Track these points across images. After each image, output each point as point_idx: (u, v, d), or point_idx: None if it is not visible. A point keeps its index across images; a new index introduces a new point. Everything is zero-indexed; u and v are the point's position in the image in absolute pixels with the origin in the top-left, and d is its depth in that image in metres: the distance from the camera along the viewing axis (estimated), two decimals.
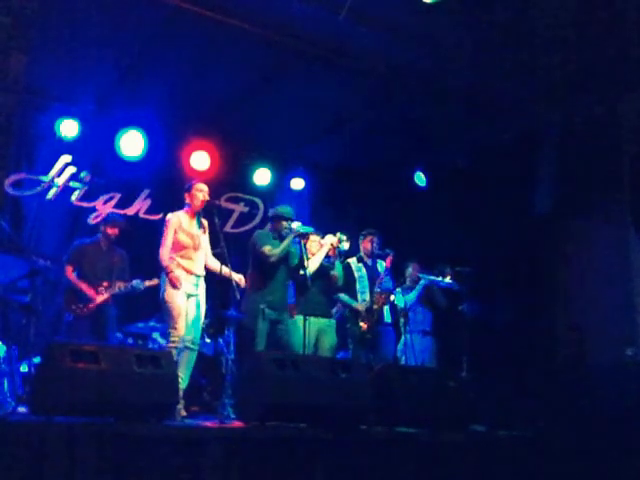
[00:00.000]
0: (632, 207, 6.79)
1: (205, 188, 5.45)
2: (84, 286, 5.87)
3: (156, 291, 5.37)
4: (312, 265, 5.74)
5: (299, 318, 5.62)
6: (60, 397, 3.53)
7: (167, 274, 5.16)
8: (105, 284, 5.90)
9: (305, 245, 5.79)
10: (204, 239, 5.46)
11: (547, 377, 5.74)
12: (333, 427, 4.14)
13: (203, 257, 5.42)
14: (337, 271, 5.96)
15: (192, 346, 5.19)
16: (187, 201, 5.43)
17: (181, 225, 5.34)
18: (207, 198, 5.40)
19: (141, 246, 6.61)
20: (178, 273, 5.19)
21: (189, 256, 5.30)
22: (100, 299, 5.86)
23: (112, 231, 6.09)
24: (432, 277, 6.91)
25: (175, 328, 5.10)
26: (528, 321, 7.05)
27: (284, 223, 5.70)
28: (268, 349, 5.34)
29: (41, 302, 5.72)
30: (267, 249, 5.54)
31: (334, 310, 6.31)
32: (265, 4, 5.39)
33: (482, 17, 5.44)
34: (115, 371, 3.75)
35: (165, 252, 5.25)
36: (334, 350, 5.91)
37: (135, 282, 5.92)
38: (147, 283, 5.90)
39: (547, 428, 4.96)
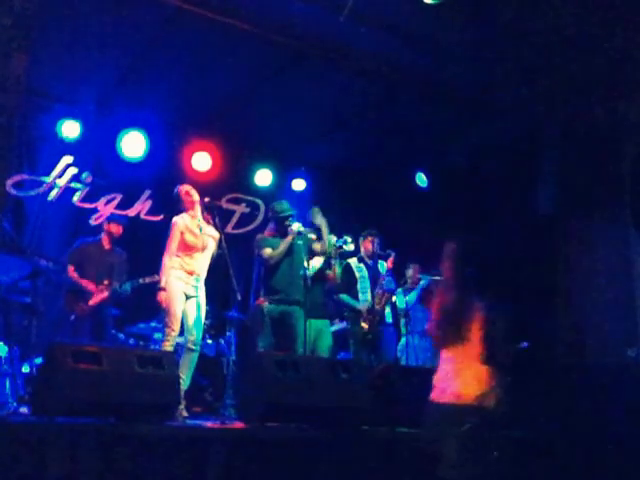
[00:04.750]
0: (633, 207, 6.79)
1: (188, 188, 5.46)
2: (85, 282, 5.89)
3: (156, 292, 5.36)
4: (316, 264, 5.77)
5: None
6: (62, 398, 3.54)
7: (161, 289, 5.18)
8: (106, 282, 5.91)
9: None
10: (208, 237, 5.42)
11: (547, 377, 5.73)
12: (334, 427, 4.15)
13: (207, 258, 5.40)
14: (336, 267, 5.97)
15: (194, 347, 5.18)
16: (181, 207, 5.44)
17: (187, 226, 5.35)
18: (197, 197, 5.41)
19: (142, 247, 6.61)
20: (179, 274, 5.20)
21: (194, 257, 5.31)
22: (100, 297, 5.87)
23: (116, 229, 6.12)
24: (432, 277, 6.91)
25: (170, 327, 5.11)
26: (528, 321, 7.04)
27: (285, 222, 5.74)
28: (271, 348, 5.36)
29: (43, 303, 5.72)
30: (267, 252, 5.60)
31: (335, 325, 6.28)
32: (265, 4, 5.39)
33: (482, 17, 5.44)
34: (116, 372, 3.77)
35: (167, 261, 5.24)
36: (330, 351, 5.92)
37: (125, 285, 5.91)
38: (147, 280, 5.85)
39: (547, 428, 4.96)
